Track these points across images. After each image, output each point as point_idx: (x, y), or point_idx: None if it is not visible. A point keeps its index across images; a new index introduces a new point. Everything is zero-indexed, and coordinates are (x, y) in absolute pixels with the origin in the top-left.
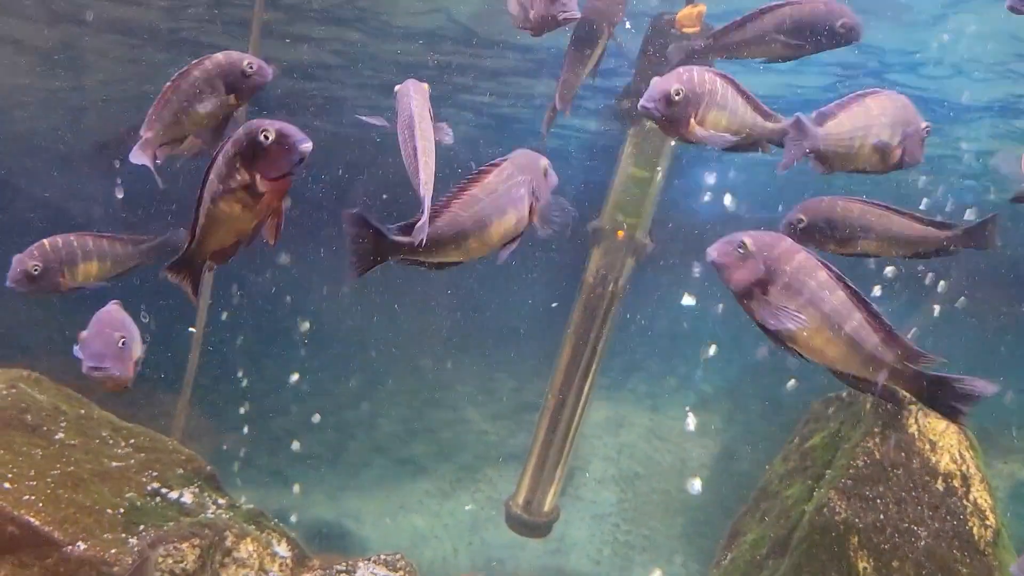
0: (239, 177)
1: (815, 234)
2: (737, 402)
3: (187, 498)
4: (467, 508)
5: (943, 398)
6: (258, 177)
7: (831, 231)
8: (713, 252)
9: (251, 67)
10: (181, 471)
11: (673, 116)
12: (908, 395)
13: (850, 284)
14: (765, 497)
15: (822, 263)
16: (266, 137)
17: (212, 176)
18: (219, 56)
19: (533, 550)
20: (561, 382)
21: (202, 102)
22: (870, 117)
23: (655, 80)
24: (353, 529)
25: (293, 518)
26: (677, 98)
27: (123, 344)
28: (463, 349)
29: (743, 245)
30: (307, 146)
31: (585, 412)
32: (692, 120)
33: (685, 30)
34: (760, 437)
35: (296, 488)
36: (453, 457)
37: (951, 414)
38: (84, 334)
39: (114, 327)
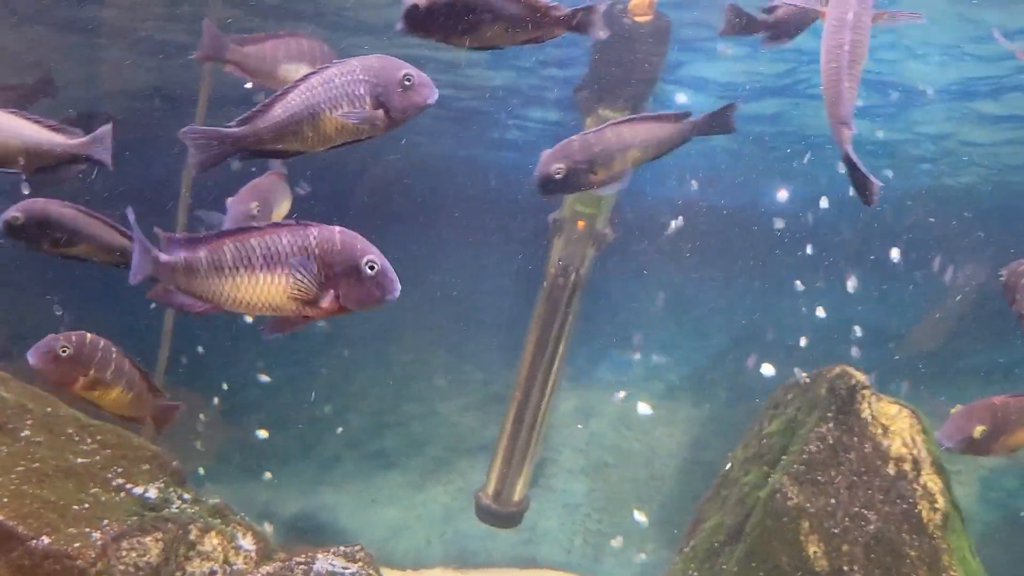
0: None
1: None
2: (704, 390)
3: (152, 493)
4: (440, 500)
5: None
6: (331, 295)
7: None
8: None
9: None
10: (147, 467)
11: None
12: None
13: None
14: (726, 484)
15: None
16: (371, 267)
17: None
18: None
19: (505, 540)
20: (527, 373)
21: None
22: None
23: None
24: (328, 523)
25: (267, 513)
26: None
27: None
28: (432, 342)
29: None
30: (394, 295)
31: (552, 402)
32: None
33: (637, 18)
34: (727, 425)
35: (269, 484)
36: (424, 450)
37: None
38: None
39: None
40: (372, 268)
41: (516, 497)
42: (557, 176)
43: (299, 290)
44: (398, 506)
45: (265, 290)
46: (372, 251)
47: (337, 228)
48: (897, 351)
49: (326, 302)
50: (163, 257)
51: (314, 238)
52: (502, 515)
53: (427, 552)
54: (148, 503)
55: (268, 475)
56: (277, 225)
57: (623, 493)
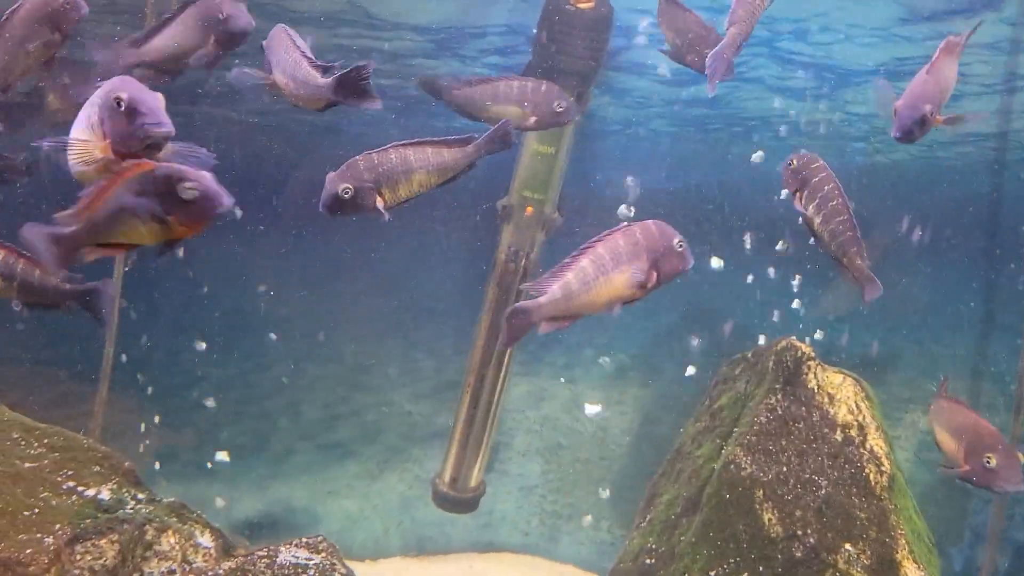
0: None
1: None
2: (652, 368)
3: (104, 495)
4: (398, 489)
5: None
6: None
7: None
8: None
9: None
10: (98, 468)
11: None
12: None
13: None
14: (679, 458)
15: None
16: (680, 245)
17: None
18: None
19: (463, 526)
20: (479, 359)
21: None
22: None
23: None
24: (283, 517)
25: (221, 510)
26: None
27: None
28: (383, 332)
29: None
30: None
31: (505, 387)
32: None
33: (580, 5)
34: (675, 401)
35: (223, 481)
36: (379, 439)
37: None
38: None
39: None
40: (681, 246)
41: (472, 483)
42: (346, 196)
43: (640, 279)
44: (354, 497)
45: (616, 287)
46: (676, 232)
47: (651, 221)
48: (834, 324)
49: (651, 282)
50: (542, 300)
51: (640, 233)
52: (459, 501)
53: (385, 541)
54: (102, 505)
55: (224, 455)
56: (611, 232)
57: (577, 473)
